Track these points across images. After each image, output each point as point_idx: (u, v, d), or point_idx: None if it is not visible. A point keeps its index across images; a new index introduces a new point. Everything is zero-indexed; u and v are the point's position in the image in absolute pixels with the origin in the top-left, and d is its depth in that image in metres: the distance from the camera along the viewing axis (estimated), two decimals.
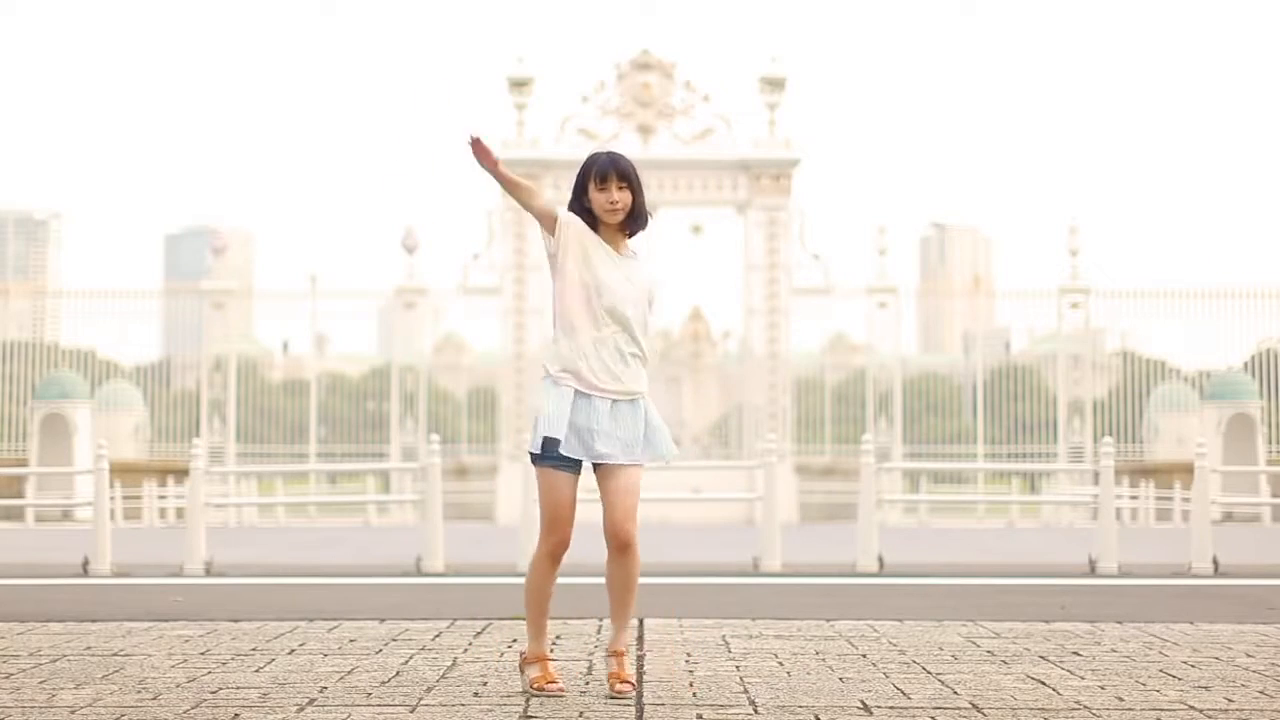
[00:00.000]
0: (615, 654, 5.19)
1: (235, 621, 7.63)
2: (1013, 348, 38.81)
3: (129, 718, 4.70)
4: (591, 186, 5.17)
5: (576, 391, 5.08)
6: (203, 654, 6.28)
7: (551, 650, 5.51)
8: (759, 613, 8.14)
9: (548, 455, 5.07)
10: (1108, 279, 29.49)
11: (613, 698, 5.07)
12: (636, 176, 5.29)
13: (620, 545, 5.13)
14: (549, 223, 5.18)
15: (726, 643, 6.66)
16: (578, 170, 5.26)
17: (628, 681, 5.12)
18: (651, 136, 27.86)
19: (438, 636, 6.89)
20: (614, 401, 5.12)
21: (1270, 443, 27.74)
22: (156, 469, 27.43)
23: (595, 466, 5.15)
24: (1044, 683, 5.45)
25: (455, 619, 7.71)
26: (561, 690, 5.13)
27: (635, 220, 5.24)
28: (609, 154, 5.29)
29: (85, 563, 12.43)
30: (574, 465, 5.12)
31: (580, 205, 5.20)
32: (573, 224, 5.18)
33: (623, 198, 5.18)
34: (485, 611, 8.16)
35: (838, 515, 26.48)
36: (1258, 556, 14.65)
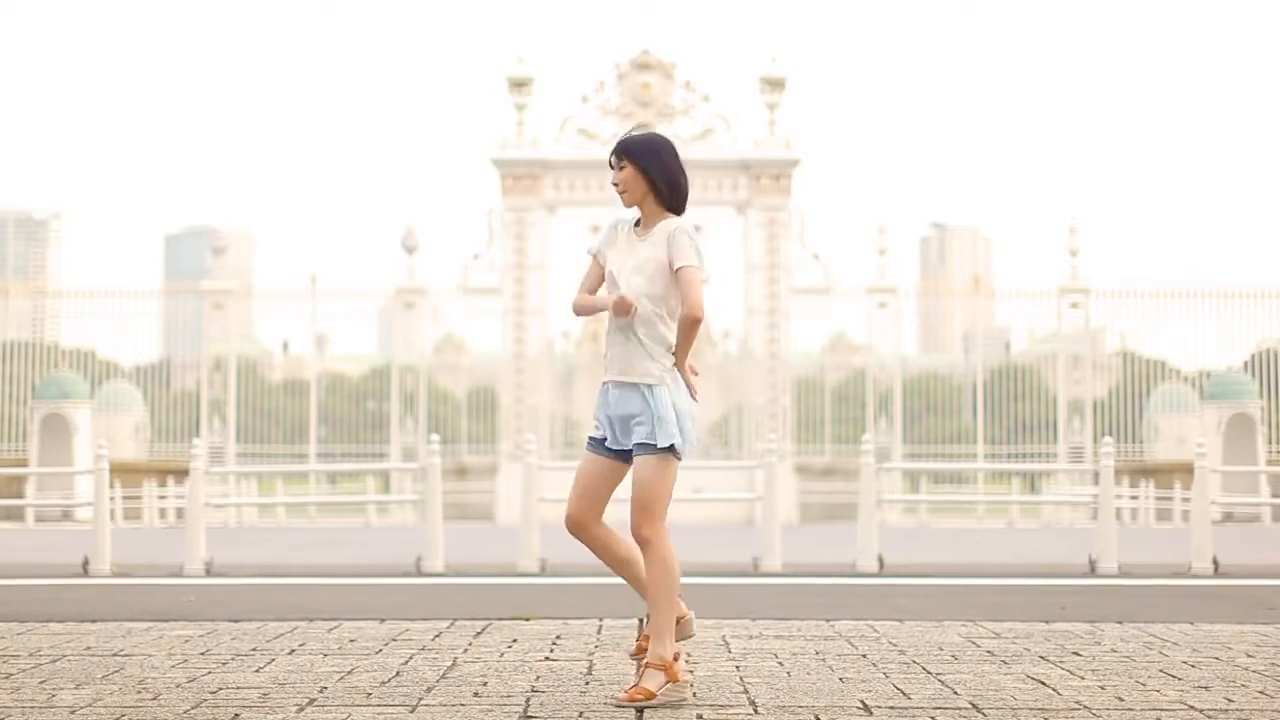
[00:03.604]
0: (645, 665, 5.03)
1: (235, 621, 7.63)
2: (1013, 348, 38.78)
3: (129, 718, 4.70)
4: None
5: (604, 383, 5.20)
6: (203, 654, 6.28)
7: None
8: (759, 613, 8.14)
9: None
10: (1108, 279, 29.47)
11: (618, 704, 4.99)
12: (646, 150, 5.24)
13: (634, 541, 5.16)
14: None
15: (726, 643, 6.66)
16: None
17: (626, 693, 4.94)
18: (654, 132, 27.79)
19: (438, 636, 6.89)
20: (622, 388, 5.12)
21: (1270, 443, 27.71)
22: (156, 469, 27.41)
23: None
24: (1044, 683, 5.45)
25: (455, 619, 7.71)
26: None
27: (661, 195, 5.21)
28: (626, 135, 5.36)
29: (85, 563, 12.43)
30: (605, 449, 5.21)
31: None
32: (603, 237, 5.32)
33: (623, 177, 5.24)
34: (485, 611, 8.16)
35: (838, 515, 26.45)
36: (1258, 556, 14.64)
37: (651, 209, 5.23)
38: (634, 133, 5.40)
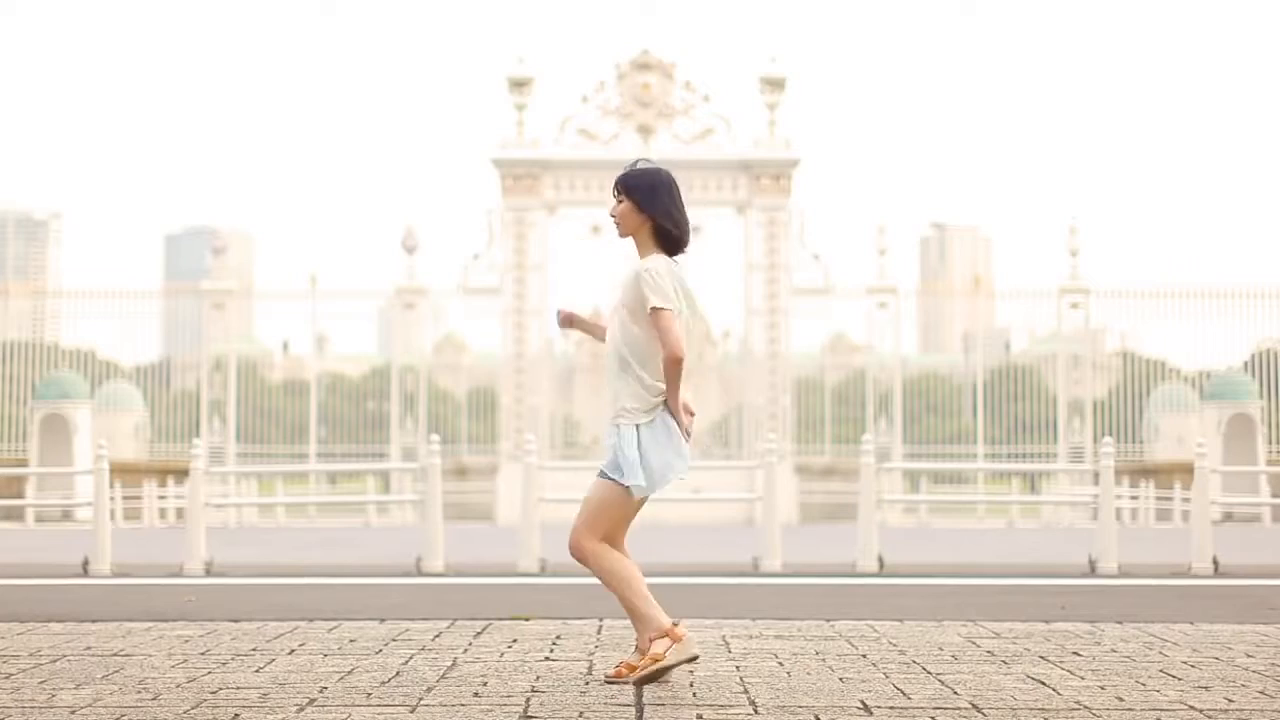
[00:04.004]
0: (639, 649, 5.26)
1: (235, 621, 7.63)
2: (1013, 348, 38.82)
3: (129, 718, 4.70)
4: None
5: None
6: (203, 654, 6.28)
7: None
8: (759, 613, 8.14)
9: None
10: (1108, 279, 29.48)
11: (611, 680, 5.30)
12: (648, 188, 5.26)
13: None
14: None
15: (726, 643, 6.66)
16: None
17: (619, 670, 5.18)
18: (651, 137, 27.82)
19: (438, 636, 6.89)
20: (611, 425, 5.32)
21: (1270, 443, 27.72)
22: (156, 469, 27.42)
23: None
24: (1044, 683, 5.45)
25: (455, 619, 7.70)
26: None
27: (656, 234, 5.26)
28: (629, 167, 5.40)
29: (85, 563, 12.43)
30: None
31: None
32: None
33: (621, 210, 5.31)
34: (485, 611, 8.16)
35: (838, 515, 26.47)
36: (1258, 556, 14.65)
37: (646, 245, 5.30)
38: (639, 165, 5.39)
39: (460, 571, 12.35)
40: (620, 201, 5.29)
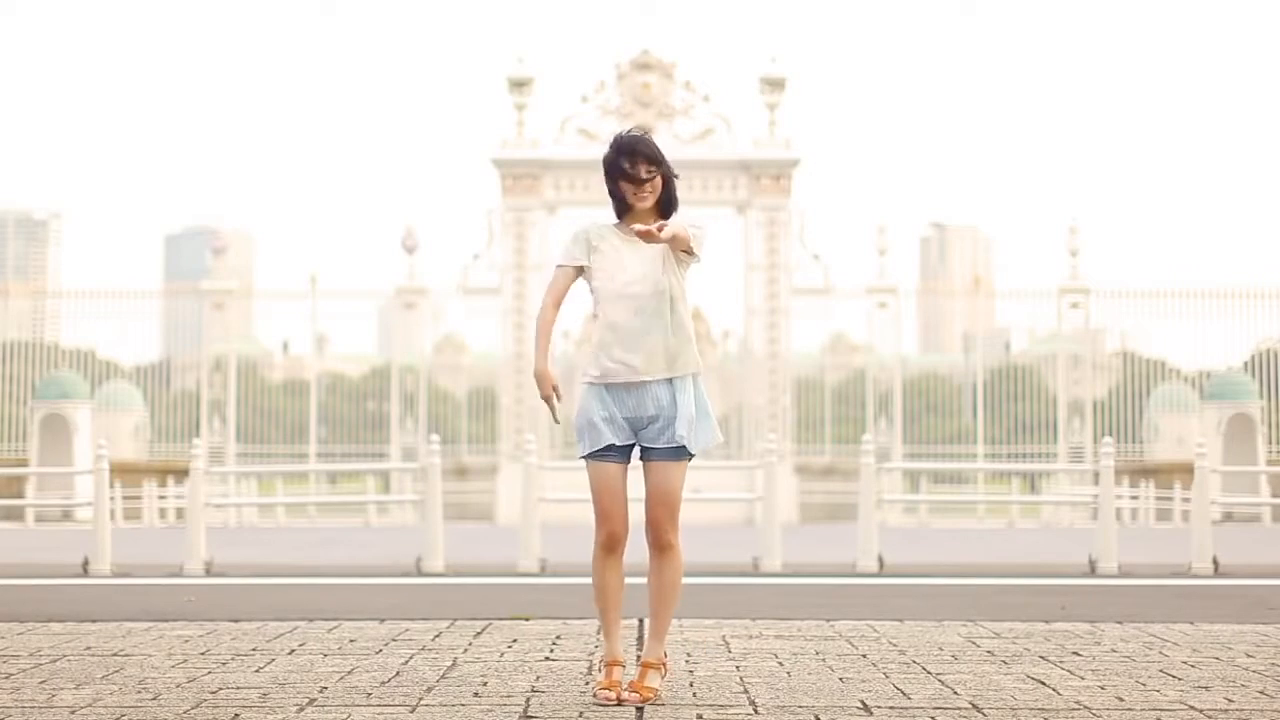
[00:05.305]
0: (643, 664, 5.08)
1: (235, 621, 7.63)
2: (1013, 348, 38.76)
3: (129, 718, 4.70)
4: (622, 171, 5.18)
5: (612, 384, 5.04)
6: (203, 654, 6.28)
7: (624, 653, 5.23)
8: (759, 613, 8.14)
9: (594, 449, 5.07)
10: (1108, 279, 29.45)
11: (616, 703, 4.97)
12: (662, 156, 5.27)
13: (654, 546, 5.10)
14: (580, 274, 5.20)
15: (726, 643, 6.66)
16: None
17: (638, 692, 4.94)
18: (651, 136, 27.78)
19: (438, 636, 6.89)
20: (649, 386, 5.03)
21: (1270, 443, 27.70)
22: (156, 469, 27.40)
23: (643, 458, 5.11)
24: (1044, 683, 5.45)
25: (455, 619, 7.71)
26: (609, 700, 4.95)
27: (664, 202, 5.24)
28: (631, 139, 5.24)
29: (85, 563, 12.43)
30: (621, 455, 5.08)
31: (613, 188, 5.20)
32: (580, 247, 5.19)
33: (654, 184, 5.21)
34: (485, 611, 8.16)
35: (838, 515, 26.46)
36: (1258, 556, 14.64)
37: (652, 212, 5.23)
38: (634, 134, 5.36)
39: (460, 571, 12.35)
40: (652, 173, 5.17)
